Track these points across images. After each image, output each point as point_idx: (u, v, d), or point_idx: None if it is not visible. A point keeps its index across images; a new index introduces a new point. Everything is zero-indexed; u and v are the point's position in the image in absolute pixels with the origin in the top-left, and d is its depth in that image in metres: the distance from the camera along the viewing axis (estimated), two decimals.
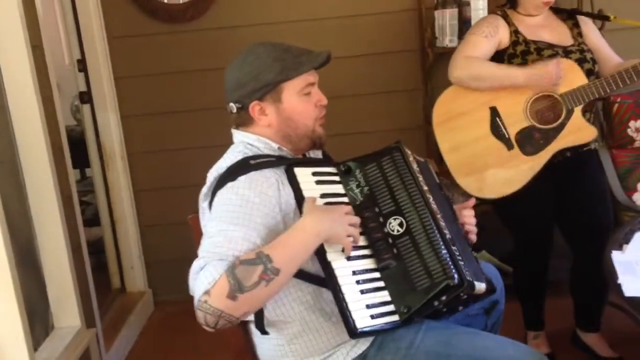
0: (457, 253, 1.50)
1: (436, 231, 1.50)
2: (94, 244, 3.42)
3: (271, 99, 1.58)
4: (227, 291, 1.32)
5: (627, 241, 1.78)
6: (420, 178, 1.59)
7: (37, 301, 2.33)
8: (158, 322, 3.28)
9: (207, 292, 1.33)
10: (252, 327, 1.63)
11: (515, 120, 2.27)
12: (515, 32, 2.31)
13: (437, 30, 2.98)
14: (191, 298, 1.37)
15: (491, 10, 2.68)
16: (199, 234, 1.67)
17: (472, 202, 1.76)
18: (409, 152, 1.63)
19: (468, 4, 2.93)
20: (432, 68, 3.09)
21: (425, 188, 1.57)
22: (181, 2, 3.14)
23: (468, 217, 1.73)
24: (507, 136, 2.28)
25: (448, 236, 1.52)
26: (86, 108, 3.23)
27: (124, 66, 3.19)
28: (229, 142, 1.64)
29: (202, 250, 1.42)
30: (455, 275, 1.44)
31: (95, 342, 2.58)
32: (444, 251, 1.48)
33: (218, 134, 3.19)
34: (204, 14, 3.13)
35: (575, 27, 2.38)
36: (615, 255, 1.70)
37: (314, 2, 3.12)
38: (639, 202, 2.57)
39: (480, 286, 1.50)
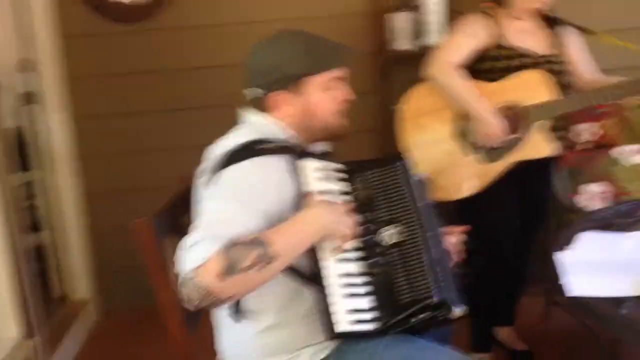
0: (441, 274, 1.49)
1: (424, 249, 1.50)
2: (37, 250, 3.31)
3: (294, 91, 1.56)
4: (219, 270, 1.29)
5: (571, 242, 1.80)
6: (417, 194, 1.58)
7: None
8: (103, 331, 3.18)
9: (197, 268, 1.30)
10: (219, 317, 1.61)
11: None
12: (499, 35, 2.29)
13: (392, 32, 2.99)
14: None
15: (475, 9, 2.60)
16: (146, 241, 1.62)
17: (463, 228, 1.74)
18: (411, 165, 1.63)
19: (423, 6, 2.94)
20: (386, 71, 3.09)
21: (420, 205, 1.57)
22: (137, 1, 3.06)
23: (455, 240, 1.71)
24: (469, 141, 2.29)
25: (435, 256, 1.51)
26: (32, 109, 3.14)
27: (74, 66, 3.11)
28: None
29: (197, 226, 1.39)
30: (437, 296, 1.44)
31: (34, 353, 2.48)
32: (429, 270, 1.47)
33: (172, 137, 3.19)
34: (158, 14, 3.07)
35: (557, 36, 2.37)
36: (559, 256, 1.72)
37: (268, 3, 3.10)
38: (582, 204, 2.62)
39: (457, 312, 1.49)
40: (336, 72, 1.59)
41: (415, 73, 2.58)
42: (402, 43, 2.96)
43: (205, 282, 1.30)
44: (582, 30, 2.40)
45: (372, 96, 3.17)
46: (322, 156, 1.68)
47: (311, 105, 1.58)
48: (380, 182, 1.58)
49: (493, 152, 2.27)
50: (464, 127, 2.30)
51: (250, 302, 1.53)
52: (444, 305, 1.45)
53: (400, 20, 2.95)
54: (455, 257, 1.70)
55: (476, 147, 2.29)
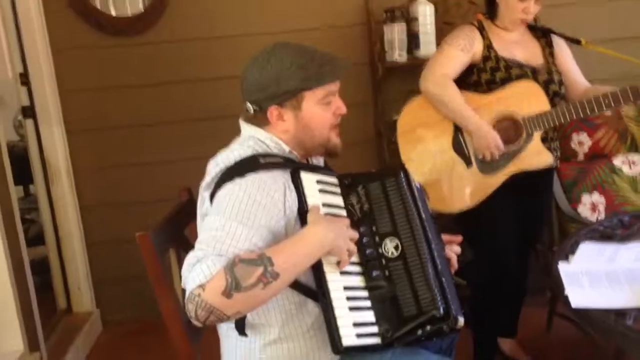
0: (446, 285, 1.49)
1: (429, 260, 1.49)
2: (39, 263, 3.31)
3: (290, 106, 1.56)
4: (223, 288, 1.29)
5: (573, 252, 1.80)
6: (420, 205, 1.58)
7: None
8: (106, 343, 3.18)
9: (202, 286, 1.30)
10: (224, 329, 1.61)
11: None
12: (488, 47, 2.32)
13: (386, 44, 3.01)
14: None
15: (462, 23, 2.62)
16: (148, 253, 1.63)
17: (459, 238, 1.74)
18: (412, 177, 1.62)
19: (416, 19, 2.97)
20: (381, 82, 3.11)
21: (424, 215, 1.57)
22: (129, 15, 3.09)
23: (452, 251, 1.71)
24: (467, 153, 2.30)
25: (439, 267, 1.51)
26: (29, 123, 3.13)
27: (69, 80, 3.11)
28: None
29: (200, 242, 1.39)
30: (442, 308, 1.44)
31: None
32: (434, 282, 1.46)
33: (168, 150, 3.20)
34: (152, 28, 3.08)
35: (548, 46, 2.40)
36: (562, 267, 1.72)
37: (263, 15, 3.11)
38: (583, 214, 2.63)
39: (462, 321, 1.49)
40: (331, 87, 1.58)
41: (410, 84, 2.61)
42: (396, 54, 2.98)
43: (211, 299, 1.30)
44: (568, 39, 2.43)
45: (367, 107, 3.20)
46: (323, 169, 1.69)
47: (307, 119, 1.57)
48: (383, 193, 1.57)
49: (491, 164, 2.28)
50: (462, 139, 2.31)
51: (255, 316, 1.53)
52: (449, 317, 1.44)
53: (394, 32, 2.97)
54: (452, 267, 1.71)
55: (474, 159, 2.30)
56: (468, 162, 2.31)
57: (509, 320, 2.58)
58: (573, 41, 2.42)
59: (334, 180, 1.61)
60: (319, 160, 1.74)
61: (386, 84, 3.12)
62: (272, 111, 1.56)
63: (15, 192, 2.53)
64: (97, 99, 3.14)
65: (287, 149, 1.59)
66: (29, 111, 3.12)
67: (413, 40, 3.00)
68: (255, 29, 3.08)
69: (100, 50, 3.09)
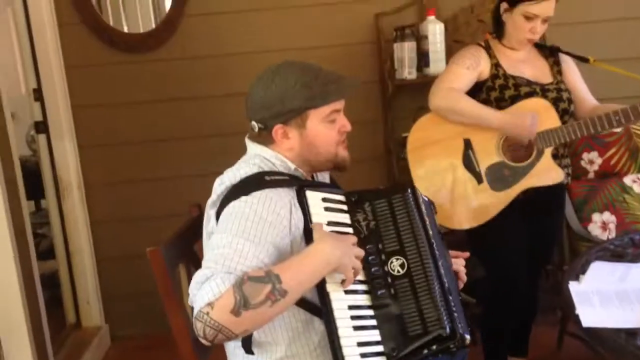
0: (453, 303, 1.48)
1: (436, 279, 1.48)
2: (49, 277, 3.32)
3: (295, 124, 1.56)
4: (232, 306, 1.30)
5: (584, 272, 1.79)
6: (428, 222, 1.57)
7: None
8: (115, 358, 3.19)
9: (210, 304, 1.30)
10: (231, 347, 1.60)
11: (487, 155, 2.30)
12: (495, 66, 2.33)
13: (396, 62, 3.03)
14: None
15: (472, 41, 2.65)
16: (158, 268, 1.64)
17: (466, 255, 1.74)
18: (420, 193, 1.62)
19: (426, 37, 2.98)
20: (391, 99, 3.13)
21: (431, 232, 1.56)
22: (142, 32, 3.13)
23: (459, 266, 1.71)
24: (477, 169, 2.30)
25: (446, 285, 1.50)
26: (42, 138, 3.17)
27: (82, 96, 3.14)
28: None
29: (208, 260, 1.39)
30: (449, 327, 1.43)
31: None
32: (441, 300, 1.45)
33: (178, 165, 3.22)
34: (163, 44, 3.11)
35: (555, 64, 2.41)
36: (572, 286, 1.72)
37: (273, 33, 3.13)
38: (594, 233, 2.62)
39: (468, 340, 1.47)
40: (336, 105, 1.58)
41: (419, 101, 2.62)
42: (406, 72, 2.99)
43: (219, 318, 1.30)
44: (576, 57, 2.44)
45: (377, 124, 3.21)
46: (329, 186, 1.70)
47: (312, 138, 1.57)
48: (390, 211, 1.56)
49: (502, 180, 2.28)
50: (472, 156, 2.31)
51: (261, 334, 1.53)
52: (456, 336, 1.43)
53: (404, 50, 2.98)
54: (461, 280, 1.70)
55: (485, 176, 2.29)
56: (479, 179, 2.31)
57: (520, 339, 2.57)
58: (581, 59, 2.43)
59: (340, 197, 1.61)
60: (324, 176, 1.74)
61: (396, 102, 3.13)
62: (277, 130, 1.56)
63: (27, 206, 2.55)
64: (108, 115, 3.17)
65: (292, 166, 1.59)
66: (41, 126, 3.15)
67: (423, 58, 3.02)
68: (266, 47, 3.11)
69: (112, 66, 3.13)
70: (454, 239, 2.34)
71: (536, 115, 2.22)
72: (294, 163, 1.60)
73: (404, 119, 3.10)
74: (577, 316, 1.59)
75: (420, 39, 3.01)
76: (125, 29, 3.16)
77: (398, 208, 1.57)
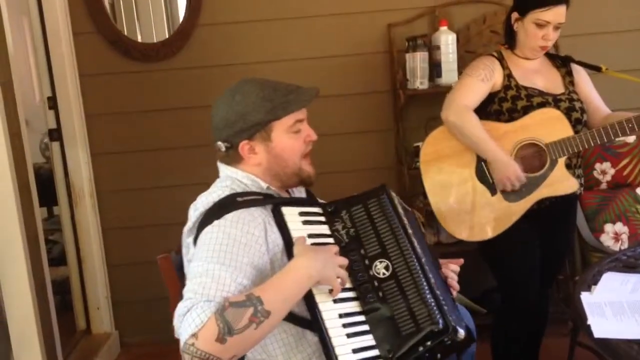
0: (442, 298, 1.49)
1: (422, 275, 1.49)
2: (60, 283, 3.35)
3: (261, 138, 1.58)
4: (216, 334, 1.28)
5: (596, 282, 1.78)
6: (406, 221, 1.58)
7: None
8: None
9: (194, 335, 1.29)
10: None
11: None
12: (508, 76, 2.32)
13: (408, 72, 3.03)
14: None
15: (484, 51, 2.66)
16: (168, 275, 1.65)
17: (461, 261, 1.75)
18: (395, 195, 1.63)
19: (438, 47, 2.99)
20: (403, 109, 3.13)
21: (411, 231, 1.57)
22: (155, 41, 3.16)
23: (452, 272, 1.71)
24: (491, 181, 2.29)
25: (433, 281, 1.51)
26: (55, 145, 3.20)
27: (95, 104, 3.17)
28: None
29: (188, 291, 1.38)
30: (440, 321, 1.43)
31: None
32: (429, 296, 1.46)
33: (188, 173, 3.23)
34: (176, 54, 3.14)
35: (568, 75, 2.40)
36: (584, 297, 1.71)
37: (285, 43, 3.15)
38: (606, 243, 2.60)
39: (462, 333, 1.48)
40: (298, 114, 1.59)
41: (431, 111, 2.62)
42: (418, 82, 3.00)
43: (205, 347, 1.29)
44: (588, 66, 2.43)
45: (388, 134, 3.21)
46: (305, 200, 1.70)
47: (279, 150, 1.59)
48: (367, 216, 1.58)
49: (515, 192, 2.27)
50: (485, 168, 2.30)
51: (255, 353, 1.53)
52: (449, 329, 1.43)
53: (416, 60, 2.99)
54: (452, 290, 1.70)
55: (498, 188, 2.29)
56: (492, 191, 2.29)
57: (530, 350, 2.55)
58: (593, 68, 2.43)
59: (317, 209, 1.62)
60: (301, 191, 1.75)
61: (408, 112, 3.14)
62: (244, 146, 1.58)
63: (39, 213, 2.58)
64: (121, 123, 3.19)
65: (264, 185, 1.61)
66: (55, 134, 3.19)
67: (435, 68, 3.02)
68: (278, 56, 3.13)
69: (126, 75, 3.15)
70: (466, 249, 2.35)
71: (523, 179, 2.22)
72: (265, 181, 1.61)
73: (416, 129, 3.11)
74: (588, 327, 1.58)
75: (433, 50, 3.02)
76: (139, 39, 3.19)
77: (375, 212, 1.58)
